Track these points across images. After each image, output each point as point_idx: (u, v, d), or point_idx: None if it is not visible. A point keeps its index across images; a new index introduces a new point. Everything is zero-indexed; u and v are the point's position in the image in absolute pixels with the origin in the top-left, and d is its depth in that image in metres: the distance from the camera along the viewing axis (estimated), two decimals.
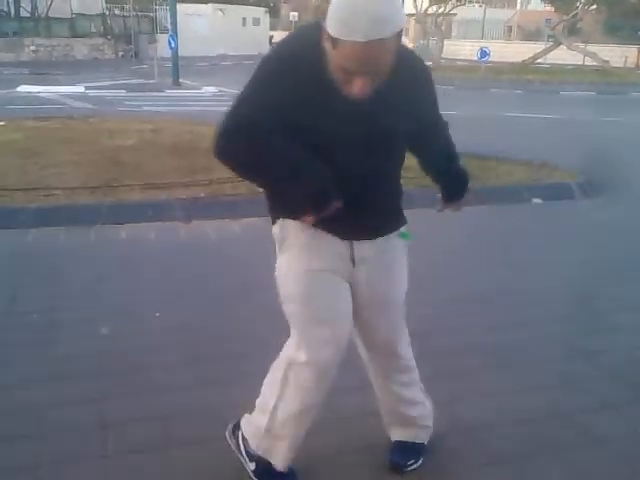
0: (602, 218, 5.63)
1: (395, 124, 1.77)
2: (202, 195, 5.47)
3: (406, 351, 2.14)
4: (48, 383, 2.74)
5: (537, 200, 6.17)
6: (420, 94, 1.83)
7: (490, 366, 3.01)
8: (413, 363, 2.19)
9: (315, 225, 1.82)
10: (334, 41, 1.53)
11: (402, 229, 2.01)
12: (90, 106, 12.51)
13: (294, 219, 1.84)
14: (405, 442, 2.28)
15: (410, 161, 2.17)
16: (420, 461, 2.27)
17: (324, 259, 1.88)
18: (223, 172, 1.86)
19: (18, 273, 4.01)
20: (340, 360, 1.93)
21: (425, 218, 4.24)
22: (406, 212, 2.03)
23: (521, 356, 3.12)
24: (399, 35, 1.55)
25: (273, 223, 1.96)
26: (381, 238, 1.95)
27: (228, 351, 3.05)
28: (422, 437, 2.30)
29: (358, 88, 1.59)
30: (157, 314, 3.44)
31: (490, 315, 3.58)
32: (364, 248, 1.92)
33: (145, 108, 12.33)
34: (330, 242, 1.88)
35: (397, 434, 2.29)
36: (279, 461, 2.05)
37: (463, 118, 9.82)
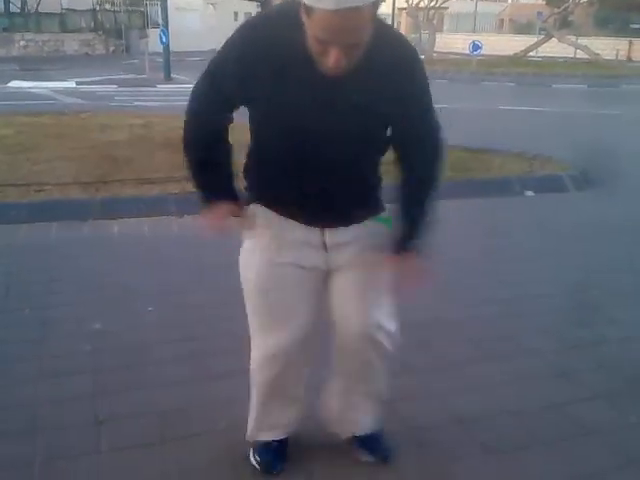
0: (595, 210, 5.65)
1: (370, 104, 1.66)
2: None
3: (387, 338, 1.99)
4: (42, 379, 2.73)
5: (529, 192, 6.18)
6: (404, 79, 1.69)
7: (484, 358, 3.02)
8: (390, 349, 2.03)
9: (284, 213, 1.85)
10: (308, 10, 1.47)
11: (382, 214, 1.95)
12: (81, 101, 12.44)
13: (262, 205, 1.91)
14: (370, 435, 2.22)
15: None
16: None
17: (293, 250, 1.87)
18: None
19: (10, 269, 3.99)
20: (300, 352, 1.96)
21: None
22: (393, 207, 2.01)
23: (515, 347, 3.14)
24: (375, 5, 1.49)
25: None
26: (357, 225, 1.90)
27: (223, 346, 3.04)
28: (377, 417, 2.22)
29: (333, 59, 1.51)
30: (150, 309, 3.43)
31: (483, 307, 3.59)
32: (337, 235, 1.88)
33: (136, 103, 12.26)
34: (300, 229, 1.86)
35: (356, 427, 2.22)
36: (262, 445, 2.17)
37: (455, 111, 9.85)
